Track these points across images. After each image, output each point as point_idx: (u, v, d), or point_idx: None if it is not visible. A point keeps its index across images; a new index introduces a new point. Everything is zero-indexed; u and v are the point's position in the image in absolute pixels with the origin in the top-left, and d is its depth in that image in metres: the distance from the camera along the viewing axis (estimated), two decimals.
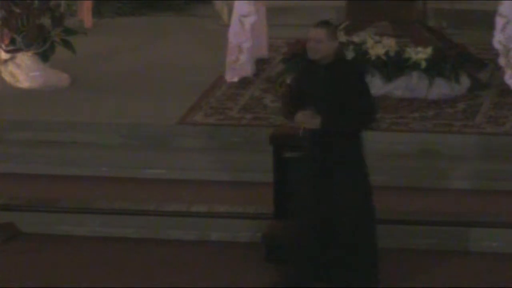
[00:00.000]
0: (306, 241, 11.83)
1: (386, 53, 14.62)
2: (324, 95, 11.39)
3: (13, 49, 15.35)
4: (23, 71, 15.32)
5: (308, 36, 11.59)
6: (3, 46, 15.43)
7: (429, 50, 14.59)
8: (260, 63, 15.61)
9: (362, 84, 11.65)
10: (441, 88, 14.58)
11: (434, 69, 14.55)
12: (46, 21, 15.31)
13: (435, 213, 12.92)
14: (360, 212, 11.70)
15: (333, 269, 11.78)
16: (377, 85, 14.37)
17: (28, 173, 13.97)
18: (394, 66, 14.59)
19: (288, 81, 13.59)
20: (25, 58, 15.32)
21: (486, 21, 14.93)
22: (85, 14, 17.02)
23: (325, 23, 11.45)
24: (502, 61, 14.50)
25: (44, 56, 15.30)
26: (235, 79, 14.92)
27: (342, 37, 14.72)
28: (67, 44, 15.31)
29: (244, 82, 14.58)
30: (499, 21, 14.47)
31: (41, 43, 15.34)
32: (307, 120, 11.26)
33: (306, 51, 11.77)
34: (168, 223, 13.18)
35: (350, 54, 14.66)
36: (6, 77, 15.41)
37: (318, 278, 11.86)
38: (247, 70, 14.82)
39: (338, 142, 11.47)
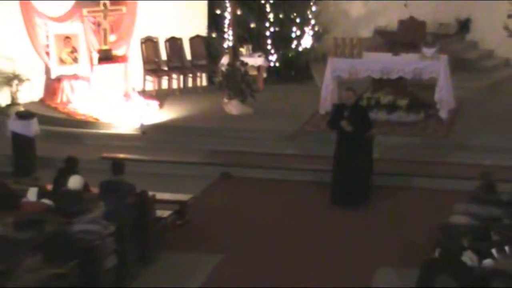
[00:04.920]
0: (335, 176, 11.98)
1: (388, 101, 14.44)
2: (351, 117, 11.53)
3: (229, 98, 15.07)
4: (233, 107, 15.06)
5: (342, 93, 12.13)
6: (225, 96, 15.11)
7: (407, 100, 14.46)
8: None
9: (367, 113, 12.05)
10: (412, 117, 14.35)
11: (409, 108, 14.38)
12: (244, 86, 15.03)
13: (401, 169, 12.91)
14: (364, 164, 11.86)
15: (347, 191, 11.81)
16: (384, 116, 14.29)
17: (233, 149, 13.89)
18: (392, 107, 14.39)
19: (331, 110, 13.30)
20: (234, 102, 15.07)
21: (432, 87, 14.36)
22: (259, 83, 16.53)
23: (351, 88, 11.85)
24: (438, 105, 14.30)
25: (242, 101, 15.07)
26: (323, 112, 14.50)
27: (369, 94, 14.59)
28: (252, 96, 15.05)
29: (328, 114, 13.68)
30: (438, 88, 14.24)
31: (241, 95, 15.05)
32: (346, 125, 11.54)
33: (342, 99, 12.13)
34: (286, 173, 13.13)
35: (372, 102, 14.37)
36: (226, 110, 15.09)
37: (342, 194, 11.90)
38: (329, 108, 14.14)
39: (356, 137, 11.64)
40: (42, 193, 9.96)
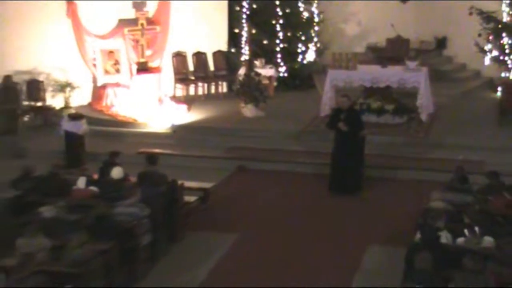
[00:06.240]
0: (332, 169, 11.85)
1: (378, 106, 14.32)
2: (346, 119, 11.43)
3: (245, 103, 14.89)
4: (248, 110, 14.97)
5: (339, 99, 11.94)
6: (242, 101, 14.93)
7: (393, 105, 14.33)
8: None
9: (360, 116, 11.93)
10: (397, 120, 14.22)
11: (394, 112, 14.26)
12: (257, 93, 14.97)
13: (390, 163, 12.75)
14: (357, 159, 11.72)
15: (343, 181, 11.70)
16: (373, 118, 14.14)
17: (247, 146, 13.73)
18: (381, 111, 14.27)
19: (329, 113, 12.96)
20: (250, 106, 14.96)
21: (414, 94, 14.11)
22: (270, 90, 16.50)
23: (346, 95, 11.73)
24: (419, 110, 13.99)
25: (256, 105, 14.94)
26: (323, 115, 14.30)
27: (361, 100, 14.45)
28: (264, 101, 15.01)
29: (327, 116, 13.19)
30: (419, 96, 14.07)
31: (255, 100, 14.93)
32: (342, 126, 11.43)
33: (339, 104, 11.95)
34: (292, 166, 12.93)
35: (364, 106, 14.26)
36: (243, 113, 14.97)
37: (338, 184, 11.76)
38: (328, 111, 13.90)
39: (351, 136, 11.54)
40: (89, 182, 9.90)
